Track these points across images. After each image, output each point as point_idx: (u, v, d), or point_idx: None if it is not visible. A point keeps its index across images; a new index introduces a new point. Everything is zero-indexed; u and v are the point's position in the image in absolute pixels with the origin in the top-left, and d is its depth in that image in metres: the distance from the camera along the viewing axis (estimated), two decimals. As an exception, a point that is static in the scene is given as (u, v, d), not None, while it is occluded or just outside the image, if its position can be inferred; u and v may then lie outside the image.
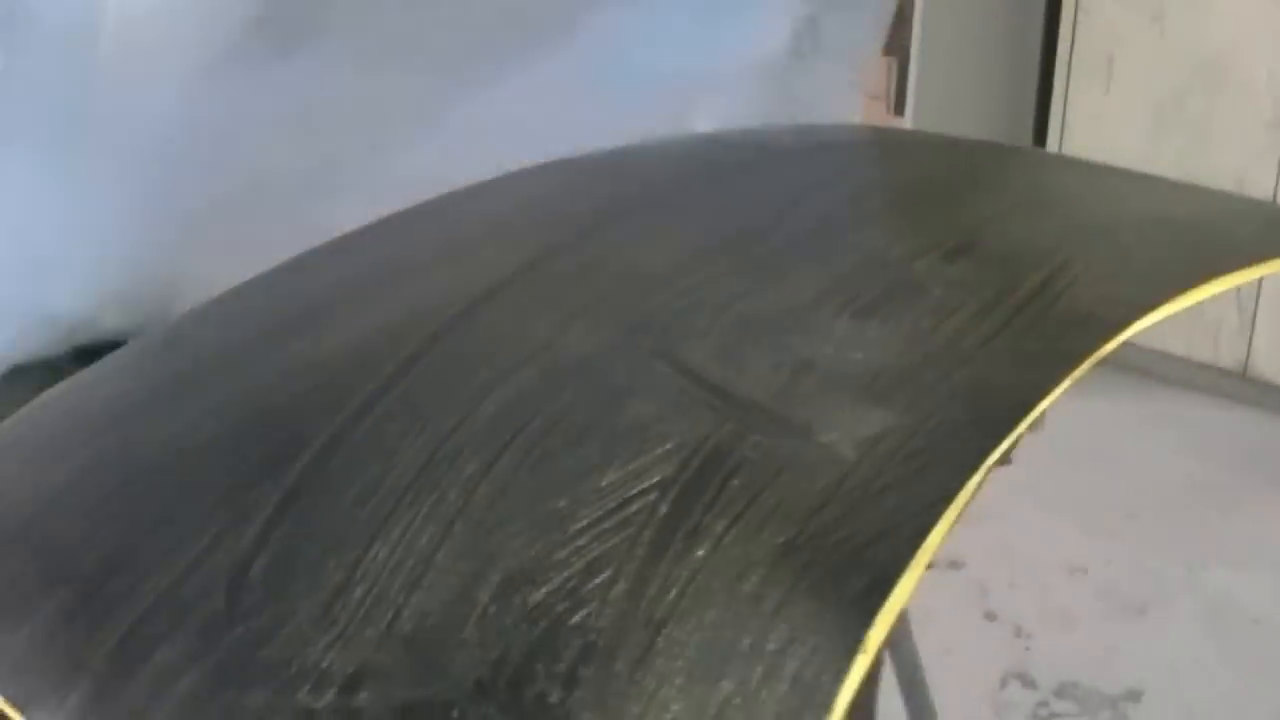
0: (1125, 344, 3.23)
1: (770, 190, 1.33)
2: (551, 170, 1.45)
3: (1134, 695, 2.59)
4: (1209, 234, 1.35)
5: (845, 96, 2.12)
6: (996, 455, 0.98)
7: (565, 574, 0.89)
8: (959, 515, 0.94)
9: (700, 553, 0.90)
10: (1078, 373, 1.06)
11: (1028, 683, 2.64)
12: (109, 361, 1.24)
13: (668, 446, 0.99)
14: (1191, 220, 1.39)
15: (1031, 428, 1.42)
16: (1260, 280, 3.48)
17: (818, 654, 0.83)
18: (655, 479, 0.96)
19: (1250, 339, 3.51)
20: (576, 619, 0.86)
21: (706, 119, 2.14)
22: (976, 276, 1.22)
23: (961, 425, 1.03)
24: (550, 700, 0.83)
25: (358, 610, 0.87)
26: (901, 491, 0.95)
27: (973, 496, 0.98)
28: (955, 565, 2.89)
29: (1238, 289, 3.51)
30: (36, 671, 0.91)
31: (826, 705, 0.80)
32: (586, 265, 1.18)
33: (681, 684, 0.83)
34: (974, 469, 0.96)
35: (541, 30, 1.28)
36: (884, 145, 1.50)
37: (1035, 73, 3.72)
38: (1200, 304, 3.40)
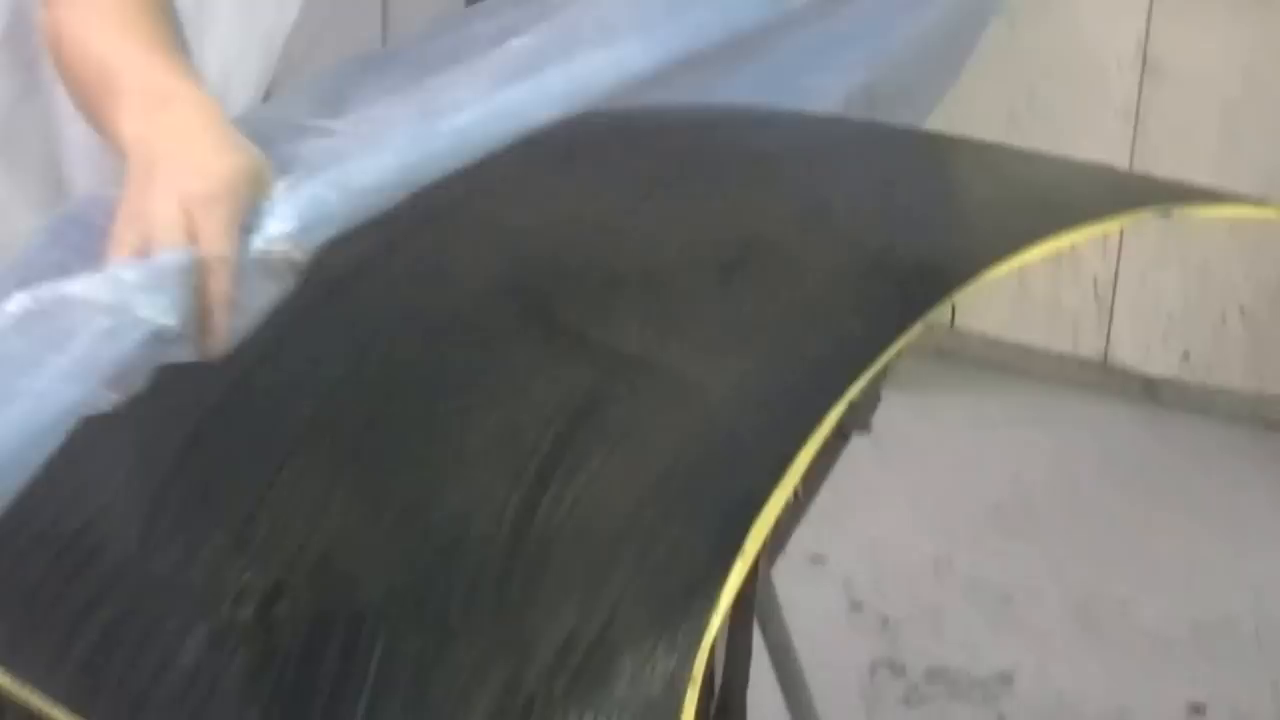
0: (987, 341, 3.48)
1: (638, 162, 1.47)
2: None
3: (1005, 679, 2.77)
4: (1055, 196, 1.51)
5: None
6: (856, 389, 1.12)
7: (459, 501, 1.02)
8: (821, 447, 1.08)
9: (582, 479, 1.03)
10: (926, 315, 1.20)
11: (897, 671, 2.80)
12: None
13: (548, 392, 1.12)
14: (1038, 183, 1.55)
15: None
16: (1116, 272, 3.70)
17: (699, 559, 0.97)
18: (537, 419, 1.09)
19: (1109, 330, 3.72)
20: (473, 540, 1.00)
21: None
22: (832, 238, 1.36)
23: (823, 366, 1.17)
24: (452, 612, 0.96)
25: (268, 537, 0.99)
26: (768, 424, 1.09)
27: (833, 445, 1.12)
28: (820, 560, 3.05)
29: (1094, 281, 3.72)
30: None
31: (711, 599, 0.94)
32: (464, 226, 1.31)
33: (573, 593, 0.97)
34: (835, 401, 1.10)
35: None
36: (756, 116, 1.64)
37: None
38: (1059, 296, 3.63)
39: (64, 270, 0.99)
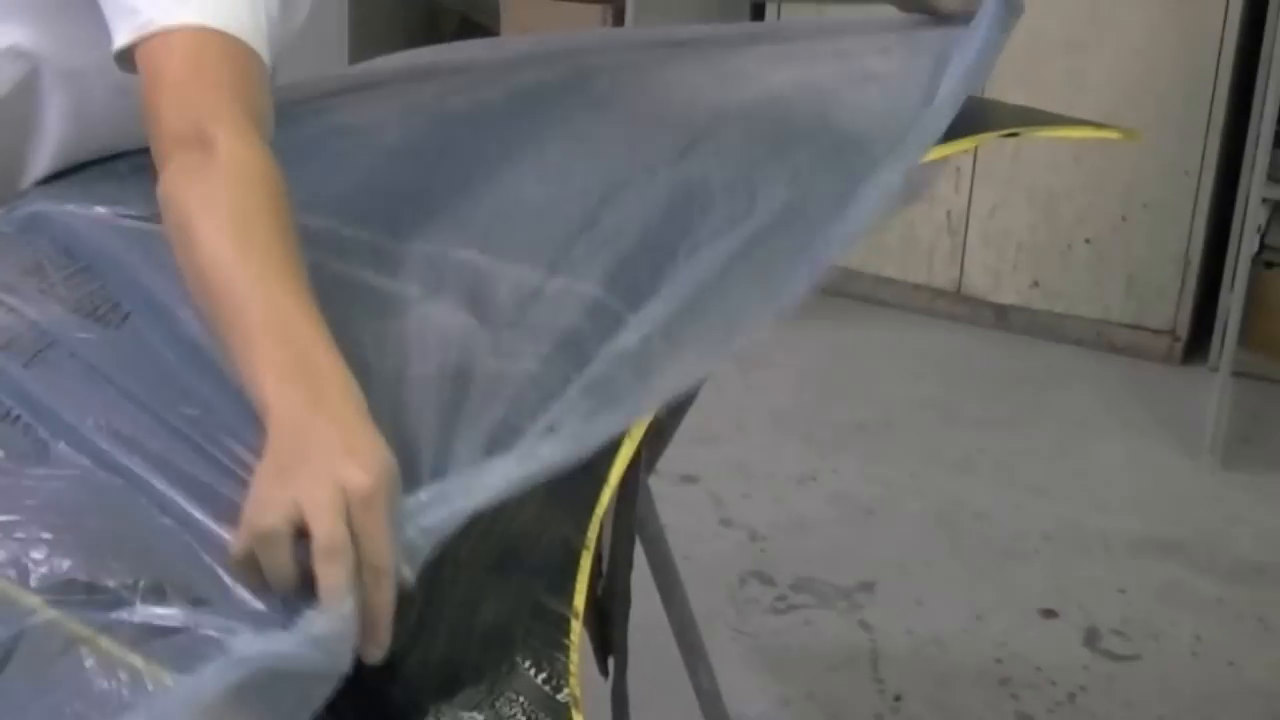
0: (847, 273, 3.60)
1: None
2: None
3: (867, 587, 2.88)
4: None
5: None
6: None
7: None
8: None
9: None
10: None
11: (765, 580, 2.91)
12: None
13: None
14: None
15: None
16: (969, 205, 3.82)
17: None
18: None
19: (962, 261, 3.86)
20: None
21: None
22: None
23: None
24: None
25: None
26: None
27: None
28: (690, 480, 3.15)
29: (948, 214, 3.85)
30: None
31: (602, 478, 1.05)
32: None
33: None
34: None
35: None
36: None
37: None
38: (914, 230, 3.76)
39: None
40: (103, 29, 1.27)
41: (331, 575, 0.93)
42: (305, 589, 0.94)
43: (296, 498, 0.95)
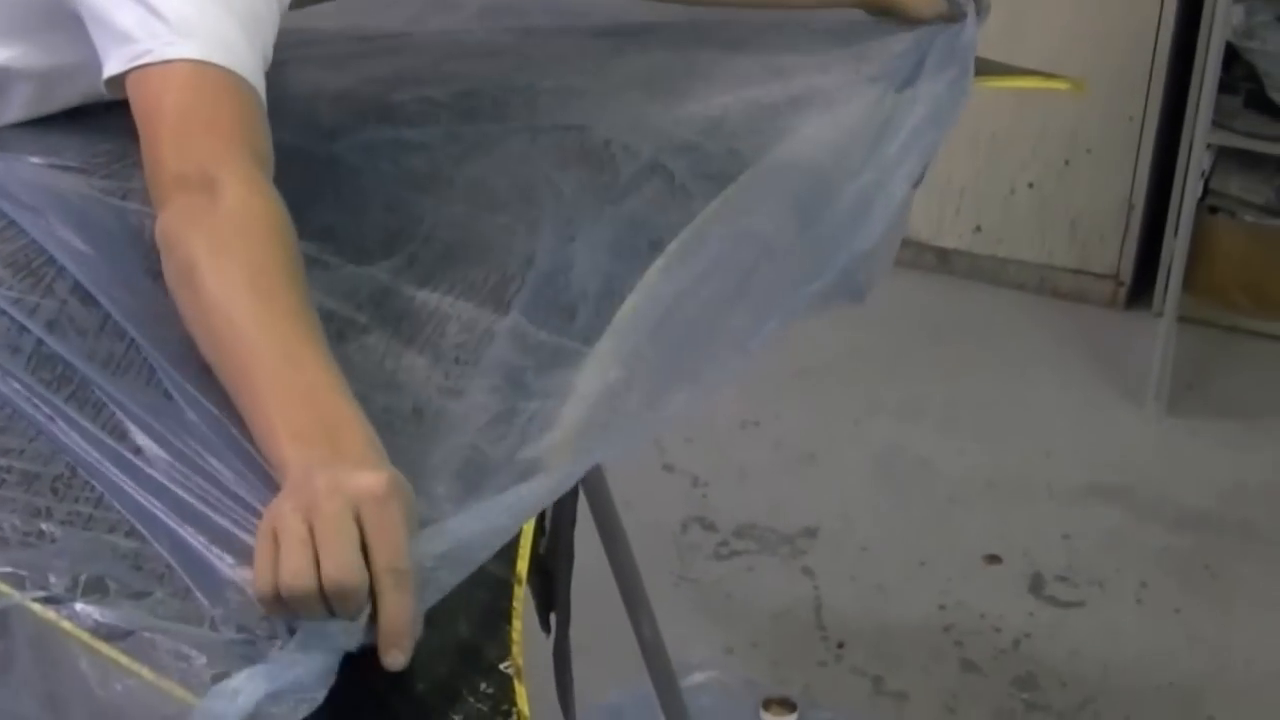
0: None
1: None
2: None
3: (810, 533, 2.84)
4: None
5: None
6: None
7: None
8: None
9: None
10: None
11: (707, 526, 2.86)
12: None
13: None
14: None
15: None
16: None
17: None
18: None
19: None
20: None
21: None
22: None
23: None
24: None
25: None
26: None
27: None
28: (632, 425, 3.09)
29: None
30: None
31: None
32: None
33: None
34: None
35: None
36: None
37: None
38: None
39: None
40: (85, 45, 1.24)
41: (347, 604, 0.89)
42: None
43: (308, 507, 0.91)
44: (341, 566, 0.89)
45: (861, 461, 3.09)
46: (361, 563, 0.89)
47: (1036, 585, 2.73)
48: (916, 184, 1.53)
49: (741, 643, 2.58)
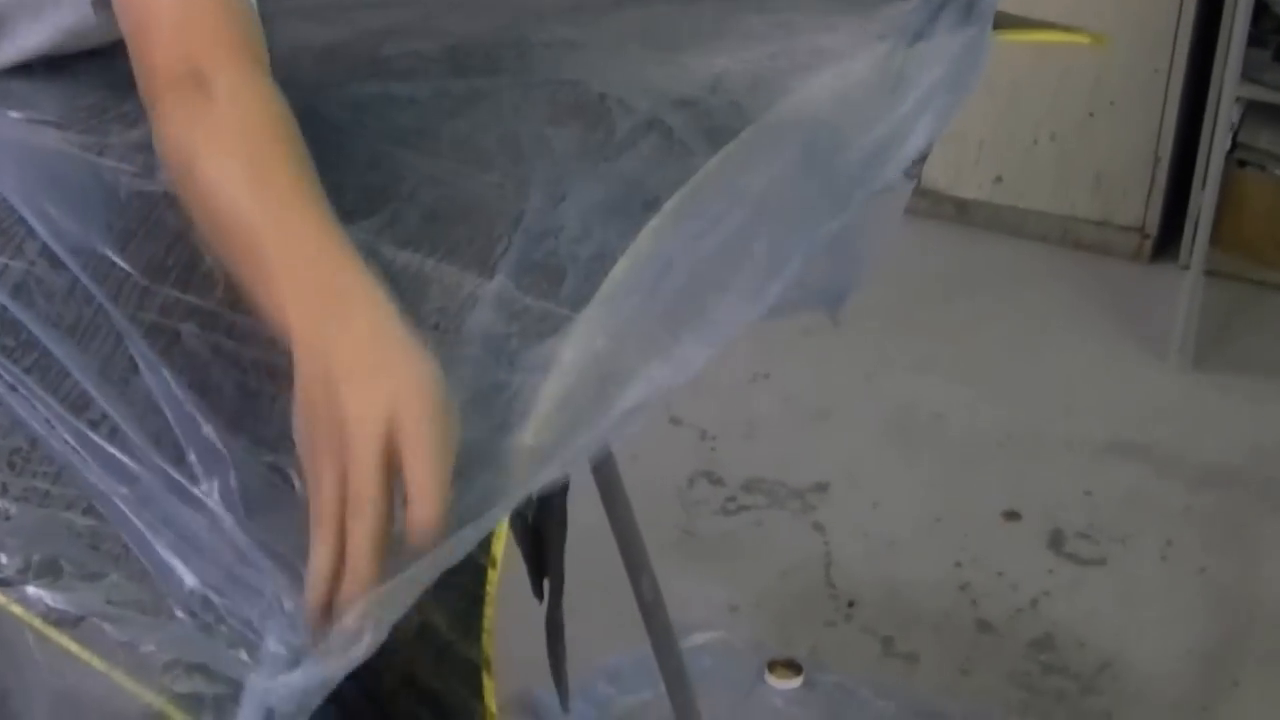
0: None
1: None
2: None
3: (820, 488, 2.74)
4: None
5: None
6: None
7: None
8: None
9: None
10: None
11: (715, 480, 2.76)
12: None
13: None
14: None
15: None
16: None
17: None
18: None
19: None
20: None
21: None
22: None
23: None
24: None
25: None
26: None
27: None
28: (638, 377, 2.99)
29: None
30: None
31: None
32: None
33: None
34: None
35: None
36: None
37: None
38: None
39: None
40: None
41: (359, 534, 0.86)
42: None
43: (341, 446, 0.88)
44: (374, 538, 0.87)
45: (875, 415, 2.99)
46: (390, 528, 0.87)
47: (1056, 542, 2.63)
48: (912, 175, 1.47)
49: (747, 601, 2.48)
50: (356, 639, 0.84)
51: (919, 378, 3.11)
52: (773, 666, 2.32)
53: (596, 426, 1.02)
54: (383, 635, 0.85)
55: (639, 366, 1.06)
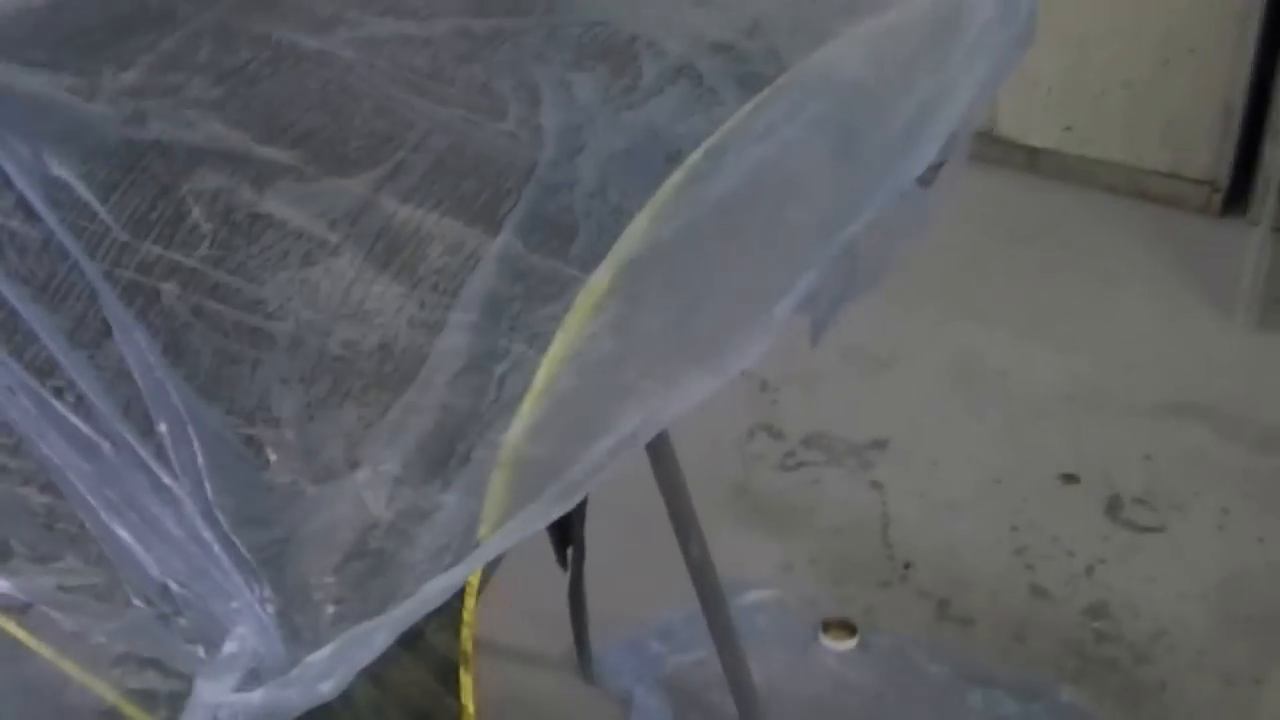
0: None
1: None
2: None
3: (880, 444, 2.74)
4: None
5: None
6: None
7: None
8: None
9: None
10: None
11: (775, 434, 2.76)
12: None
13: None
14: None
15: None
16: (1003, 40, 3.61)
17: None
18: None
19: (994, 103, 3.65)
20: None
21: None
22: None
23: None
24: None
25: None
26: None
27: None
28: (700, 325, 2.99)
29: (981, 50, 3.63)
30: None
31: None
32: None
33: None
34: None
35: None
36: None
37: None
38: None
39: None
40: None
41: None
42: None
43: None
44: None
45: (936, 369, 2.98)
46: None
47: (1114, 508, 2.62)
48: (925, 181, 1.42)
49: (800, 558, 2.49)
50: (325, 676, 0.80)
51: (983, 330, 3.09)
52: (827, 627, 2.33)
53: (583, 462, 0.96)
54: (350, 676, 0.81)
55: (640, 384, 1.01)
